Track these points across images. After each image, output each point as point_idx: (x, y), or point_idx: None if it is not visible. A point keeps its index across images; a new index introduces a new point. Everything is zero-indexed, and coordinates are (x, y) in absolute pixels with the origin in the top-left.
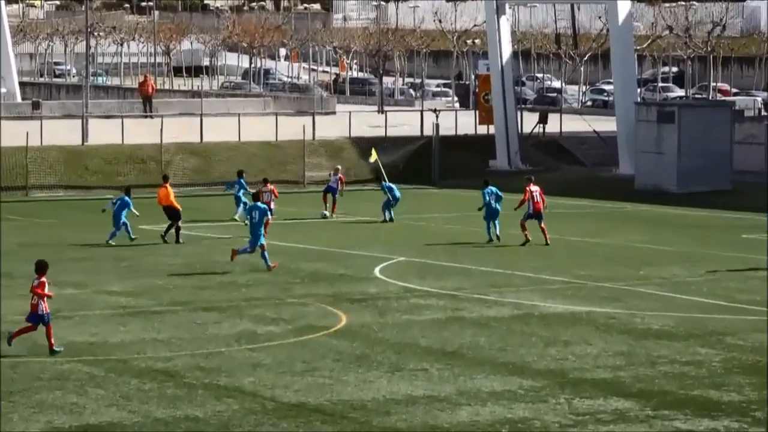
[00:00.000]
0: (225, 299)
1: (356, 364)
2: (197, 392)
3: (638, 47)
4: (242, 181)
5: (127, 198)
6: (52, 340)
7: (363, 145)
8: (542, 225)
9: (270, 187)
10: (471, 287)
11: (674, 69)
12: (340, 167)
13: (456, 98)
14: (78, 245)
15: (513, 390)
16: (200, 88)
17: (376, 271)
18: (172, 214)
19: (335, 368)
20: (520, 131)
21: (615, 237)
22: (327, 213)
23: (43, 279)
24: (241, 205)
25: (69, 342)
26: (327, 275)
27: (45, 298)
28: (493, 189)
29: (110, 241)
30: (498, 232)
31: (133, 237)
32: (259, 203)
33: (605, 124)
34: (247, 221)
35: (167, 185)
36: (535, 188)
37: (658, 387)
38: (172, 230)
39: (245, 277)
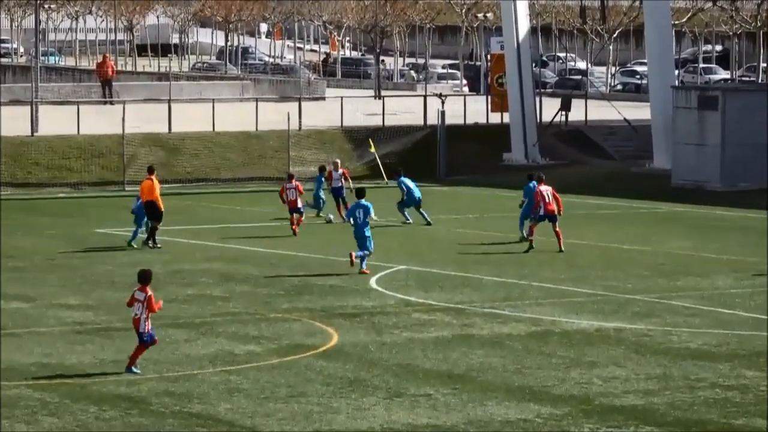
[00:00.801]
0: (197, 314)
1: (349, 388)
2: (166, 421)
3: (676, 22)
4: (322, 177)
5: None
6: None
7: (357, 135)
8: (557, 228)
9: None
10: (482, 300)
11: (718, 47)
12: (339, 161)
13: (465, 81)
14: (25, 253)
15: (530, 419)
16: (168, 69)
17: (372, 281)
18: (155, 212)
19: (325, 393)
20: (539, 120)
21: (649, 242)
22: (332, 217)
23: (150, 292)
24: (321, 201)
25: (17, 364)
26: (316, 286)
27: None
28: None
29: (132, 243)
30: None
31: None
32: (362, 200)
33: (638, 112)
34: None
35: (153, 177)
36: (546, 188)
37: (697, 415)
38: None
39: (220, 289)
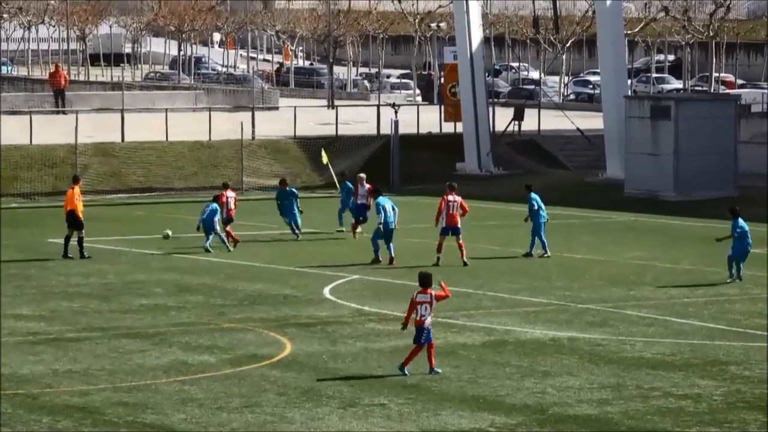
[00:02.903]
0: (150, 324)
1: (303, 398)
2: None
3: (629, 32)
4: (349, 184)
5: (215, 205)
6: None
7: (310, 145)
8: (460, 241)
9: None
10: (436, 310)
11: (671, 57)
12: (364, 175)
13: (418, 91)
14: None
15: (484, 428)
16: (121, 79)
17: (326, 291)
18: (74, 221)
19: (279, 404)
20: (492, 129)
21: (603, 252)
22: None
23: (432, 292)
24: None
25: None
26: (269, 296)
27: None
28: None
29: (207, 245)
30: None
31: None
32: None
33: (591, 121)
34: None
35: (76, 187)
36: (454, 198)
37: (651, 424)
38: (74, 243)
39: (174, 299)
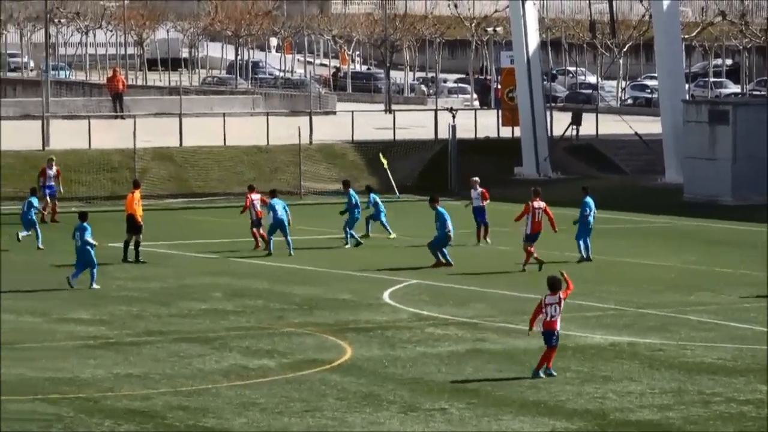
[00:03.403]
0: (210, 329)
1: (363, 403)
2: None
3: (686, 36)
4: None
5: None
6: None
7: (368, 150)
8: (531, 248)
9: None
10: (495, 314)
11: (728, 61)
12: (477, 179)
13: (475, 96)
14: (36, 267)
15: None
16: (179, 83)
17: (385, 295)
18: (133, 225)
19: (339, 408)
20: (549, 134)
21: (661, 257)
22: (488, 241)
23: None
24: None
25: (30, 378)
26: (328, 301)
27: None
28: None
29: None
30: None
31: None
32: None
33: (648, 126)
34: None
35: (136, 191)
36: (539, 205)
37: (713, 429)
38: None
39: (233, 304)
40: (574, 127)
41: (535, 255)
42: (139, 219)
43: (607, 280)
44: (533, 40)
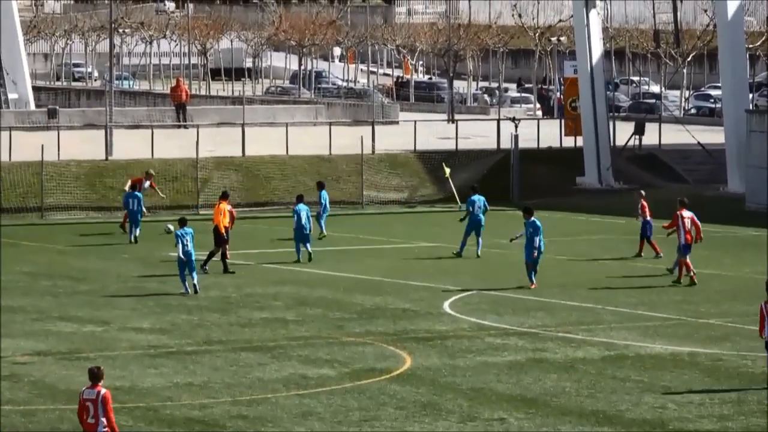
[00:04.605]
0: (270, 338)
1: (422, 412)
2: None
3: (750, 46)
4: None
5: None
6: None
7: (430, 159)
8: (686, 259)
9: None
10: (555, 324)
11: None
12: (643, 192)
13: (539, 105)
14: (98, 276)
15: None
16: (242, 93)
17: (446, 305)
18: (216, 237)
19: (398, 417)
20: (612, 143)
21: (723, 266)
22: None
23: None
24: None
25: None
26: (388, 310)
27: None
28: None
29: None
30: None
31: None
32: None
33: (712, 135)
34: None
35: (223, 203)
36: (688, 214)
37: None
38: (217, 258)
39: (293, 313)
40: (637, 136)
41: (692, 273)
42: (222, 230)
43: (668, 289)
44: (597, 49)
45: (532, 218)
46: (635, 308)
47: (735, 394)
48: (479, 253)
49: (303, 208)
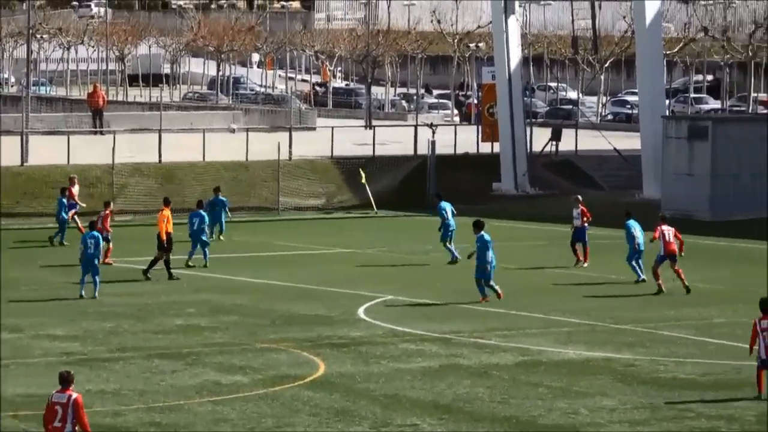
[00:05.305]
0: (184, 345)
1: (336, 419)
2: None
3: (668, 52)
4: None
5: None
6: None
7: (348, 165)
8: (677, 268)
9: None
10: (470, 330)
11: (709, 77)
12: (579, 196)
13: (456, 111)
14: (13, 283)
15: None
16: (159, 99)
17: (361, 311)
18: (160, 243)
19: (311, 424)
20: (529, 149)
21: (632, 273)
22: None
23: None
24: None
25: (4, 394)
26: (303, 317)
27: None
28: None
29: (189, 262)
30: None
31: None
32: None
33: (628, 141)
34: None
35: (165, 209)
36: (668, 228)
37: None
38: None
39: (208, 320)
40: (554, 142)
41: (660, 282)
42: (164, 237)
43: (583, 295)
44: (515, 55)
45: (482, 233)
46: (550, 314)
47: (647, 400)
48: (458, 256)
49: (200, 214)
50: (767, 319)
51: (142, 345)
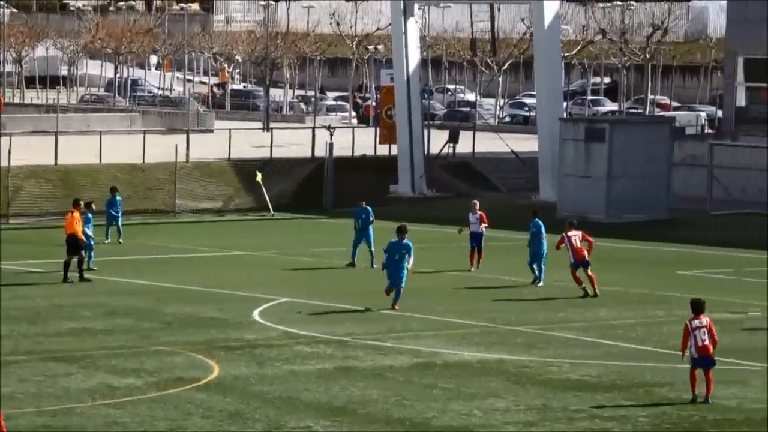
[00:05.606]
0: (78, 348)
1: (229, 421)
2: None
3: (566, 54)
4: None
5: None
6: None
7: (245, 168)
8: (590, 273)
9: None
10: (364, 332)
11: (607, 79)
12: (477, 202)
13: (354, 113)
14: None
15: None
16: (56, 101)
17: (255, 314)
18: (74, 245)
19: (204, 426)
20: (426, 151)
21: (529, 273)
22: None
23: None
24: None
25: None
26: (198, 319)
27: None
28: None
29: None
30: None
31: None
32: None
33: (526, 143)
34: None
35: (75, 211)
36: (575, 233)
37: None
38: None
39: (102, 323)
40: (451, 144)
41: (582, 285)
42: (81, 238)
43: (478, 297)
44: (414, 57)
45: (405, 239)
46: (444, 316)
47: (540, 401)
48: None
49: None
50: (698, 319)
51: (36, 348)
